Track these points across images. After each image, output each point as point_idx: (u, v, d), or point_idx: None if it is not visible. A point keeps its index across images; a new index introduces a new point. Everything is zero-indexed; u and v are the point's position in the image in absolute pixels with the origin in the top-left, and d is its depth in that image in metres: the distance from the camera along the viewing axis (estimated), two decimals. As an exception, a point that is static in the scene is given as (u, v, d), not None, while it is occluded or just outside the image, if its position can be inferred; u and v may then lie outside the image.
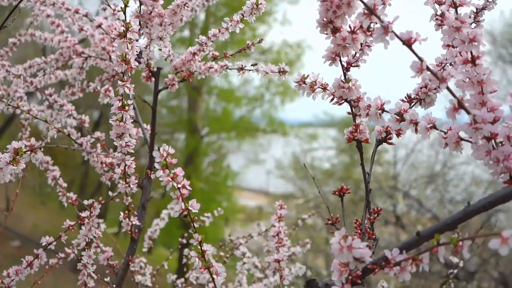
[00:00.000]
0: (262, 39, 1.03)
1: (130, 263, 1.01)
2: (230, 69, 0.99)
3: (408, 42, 0.52)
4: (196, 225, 0.80)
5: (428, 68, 0.51)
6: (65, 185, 1.12)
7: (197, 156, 11.02)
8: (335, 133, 11.22)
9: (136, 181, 0.93)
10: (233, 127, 11.56)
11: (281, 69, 0.85)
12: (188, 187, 0.64)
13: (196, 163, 10.96)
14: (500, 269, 6.12)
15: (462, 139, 0.56)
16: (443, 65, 0.70)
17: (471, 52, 0.55)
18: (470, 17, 0.74)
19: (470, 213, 0.51)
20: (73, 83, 1.25)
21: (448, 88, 0.53)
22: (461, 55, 0.57)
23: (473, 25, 0.74)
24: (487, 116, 0.51)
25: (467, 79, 0.56)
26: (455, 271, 1.09)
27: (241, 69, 0.97)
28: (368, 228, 0.64)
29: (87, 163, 1.13)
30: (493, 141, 0.54)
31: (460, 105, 0.53)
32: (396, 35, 0.52)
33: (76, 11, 1.12)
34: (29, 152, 0.67)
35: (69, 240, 1.03)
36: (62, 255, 1.15)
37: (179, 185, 0.63)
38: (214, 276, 0.66)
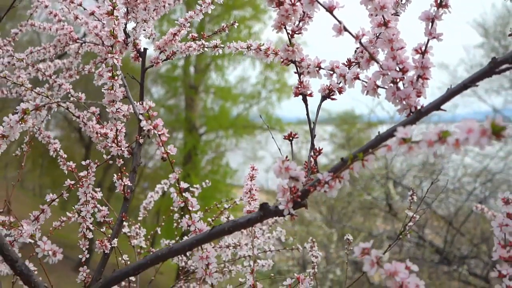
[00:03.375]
0: (235, 22, 1.18)
1: (124, 220, 1.16)
2: (206, 47, 1.13)
3: (330, 9, 0.67)
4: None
5: (345, 29, 0.66)
6: (65, 155, 1.26)
7: (195, 155, 11.16)
8: (332, 129, 11.40)
9: (127, 145, 1.08)
10: (230, 125, 11.71)
11: (249, 45, 1.00)
12: (167, 134, 0.79)
13: (194, 161, 11.10)
14: (491, 254, 6.27)
15: (378, 86, 0.71)
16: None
17: (383, 17, 0.70)
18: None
19: (380, 139, 0.66)
20: (70, 67, 1.39)
21: (361, 44, 0.68)
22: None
23: (404, 0, 0.89)
24: (391, 65, 0.66)
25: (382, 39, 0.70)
26: (411, 223, 1.24)
27: (215, 46, 1.12)
28: (313, 164, 0.78)
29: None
30: (401, 85, 0.69)
31: (371, 57, 0.68)
32: (320, 3, 0.66)
33: (71, 1, 1.26)
34: (34, 111, 0.82)
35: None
36: (64, 218, 1.30)
37: (160, 133, 0.78)
38: (190, 208, 0.81)
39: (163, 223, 1.57)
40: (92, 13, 1.22)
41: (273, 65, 11.48)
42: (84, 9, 1.27)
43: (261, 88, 12.10)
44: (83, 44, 1.37)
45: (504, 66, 0.61)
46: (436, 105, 0.63)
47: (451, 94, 0.62)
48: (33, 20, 1.46)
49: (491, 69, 0.61)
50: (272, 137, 1.16)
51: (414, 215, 1.23)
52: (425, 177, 6.88)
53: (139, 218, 1.54)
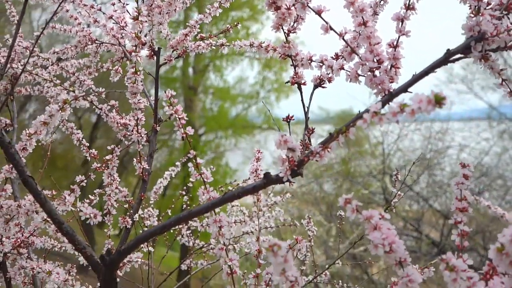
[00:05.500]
0: (238, 23, 1.34)
1: (142, 199, 1.31)
2: (214, 46, 1.29)
3: (319, 12, 0.83)
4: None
5: (331, 28, 0.82)
6: (87, 144, 1.42)
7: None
8: (330, 128, 11.58)
9: (146, 132, 1.24)
10: (229, 125, 11.87)
11: (251, 43, 1.16)
12: (185, 118, 0.94)
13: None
14: (486, 246, 6.45)
15: (359, 74, 0.86)
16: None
17: (363, 18, 0.85)
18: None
19: (360, 116, 0.81)
20: (90, 65, 1.55)
21: (344, 40, 0.83)
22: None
23: (382, 2, 1.05)
24: (369, 57, 0.82)
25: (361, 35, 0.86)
26: (395, 200, 1.39)
27: (222, 45, 1.28)
28: (307, 141, 0.94)
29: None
30: (377, 73, 0.84)
31: (353, 51, 0.84)
32: (311, 8, 0.82)
33: (92, 6, 1.42)
34: (74, 100, 0.97)
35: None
36: (87, 201, 1.45)
37: (180, 117, 0.94)
38: (205, 179, 0.96)
39: (173, 206, 1.73)
40: (111, 17, 1.38)
41: (271, 65, 11.64)
42: (103, 13, 1.43)
43: (260, 88, 12.27)
44: (101, 45, 1.52)
45: (457, 56, 0.77)
46: (404, 89, 0.79)
47: (415, 79, 0.78)
48: (54, 23, 1.61)
49: (446, 59, 0.76)
50: (278, 128, 1.31)
51: (399, 193, 1.39)
52: (422, 172, 7.04)
53: (151, 202, 1.70)
